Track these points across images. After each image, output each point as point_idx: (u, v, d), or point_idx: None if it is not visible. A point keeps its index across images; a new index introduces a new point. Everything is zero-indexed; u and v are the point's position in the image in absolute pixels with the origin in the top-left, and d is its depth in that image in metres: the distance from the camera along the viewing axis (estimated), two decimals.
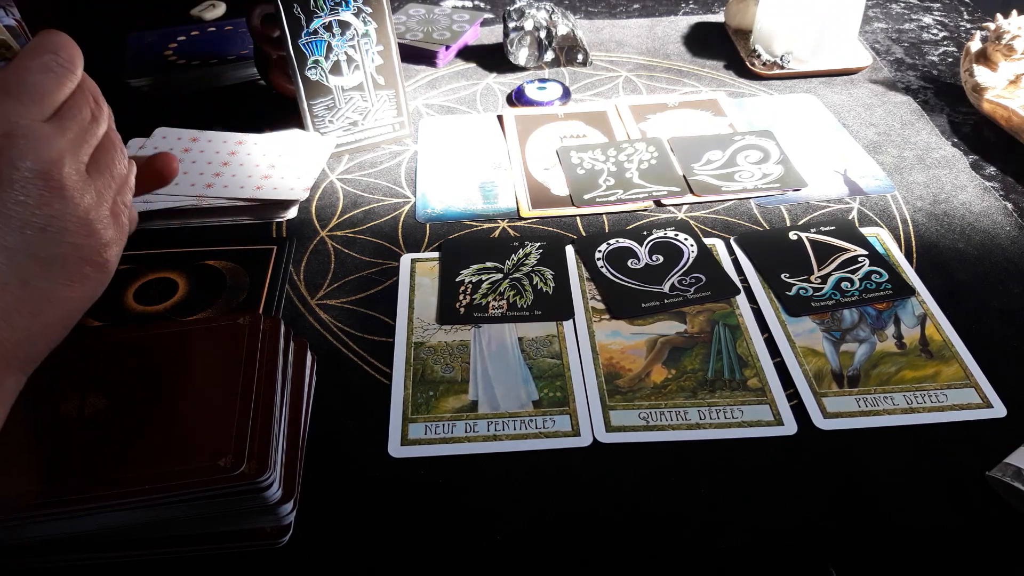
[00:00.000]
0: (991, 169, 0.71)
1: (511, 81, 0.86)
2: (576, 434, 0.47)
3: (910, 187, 0.68)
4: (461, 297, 0.56)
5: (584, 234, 0.63)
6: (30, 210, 0.29)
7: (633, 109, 0.80)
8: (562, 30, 0.86)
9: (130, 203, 0.35)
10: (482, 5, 1.05)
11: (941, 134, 0.75)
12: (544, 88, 0.82)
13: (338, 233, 0.64)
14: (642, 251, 0.60)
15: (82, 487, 0.37)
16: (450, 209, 0.66)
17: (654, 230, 0.62)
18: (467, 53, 0.92)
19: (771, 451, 0.46)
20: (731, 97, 0.82)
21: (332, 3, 0.66)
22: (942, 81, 0.85)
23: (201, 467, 0.37)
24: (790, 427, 0.47)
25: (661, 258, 0.59)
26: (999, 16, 0.77)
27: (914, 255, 0.60)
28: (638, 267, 0.59)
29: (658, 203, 0.66)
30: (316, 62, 0.68)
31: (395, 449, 0.46)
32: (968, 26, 0.98)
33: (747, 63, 0.87)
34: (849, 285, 0.56)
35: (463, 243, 0.62)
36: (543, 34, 0.86)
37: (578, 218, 0.65)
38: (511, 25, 0.85)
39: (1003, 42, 0.75)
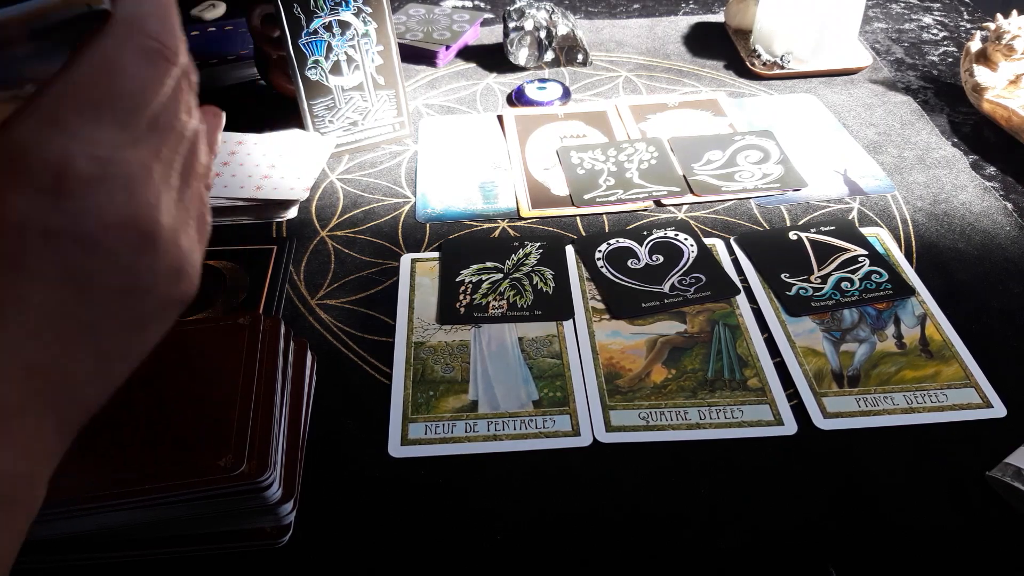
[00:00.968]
0: (991, 169, 0.71)
1: (511, 81, 0.86)
2: (576, 434, 0.47)
3: (910, 187, 0.68)
4: (461, 297, 0.56)
5: (584, 234, 0.63)
6: (112, 276, 0.21)
7: (633, 109, 0.80)
8: (562, 30, 0.86)
9: (208, 200, 0.27)
10: (482, 5, 1.05)
11: (941, 134, 0.75)
12: (544, 88, 0.82)
13: (338, 233, 0.64)
14: (642, 251, 0.60)
15: (82, 487, 0.37)
16: (450, 209, 0.66)
17: (654, 230, 0.62)
18: (467, 53, 0.92)
19: (771, 451, 0.46)
20: (731, 97, 0.82)
21: (332, 3, 0.66)
22: (942, 81, 0.85)
23: (201, 467, 0.37)
24: (790, 427, 0.47)
25: (661, 258, 0.59)
26: (999, 16, 0.77)
27: (914, 255, 0.60)
28: (638, 267, 0.59)
29: (658, 203, 0.66)
30: (316, 62, 0.68)
31: (395, 449, 0.46)
32: (968, 26, 0.98)
33: (747, 63, 0.87)
34: (849, 285, 0.56)
35: (463, 243, 0.62)
36: (543, 34, 0.86)
37: (578, 218, 0.65)
38: (511, 25, 0.85)
39: (1003, 42, 0.75)
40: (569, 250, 0.61)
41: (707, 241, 0.61)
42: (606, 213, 0.65)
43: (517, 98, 0.82)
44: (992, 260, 0.59)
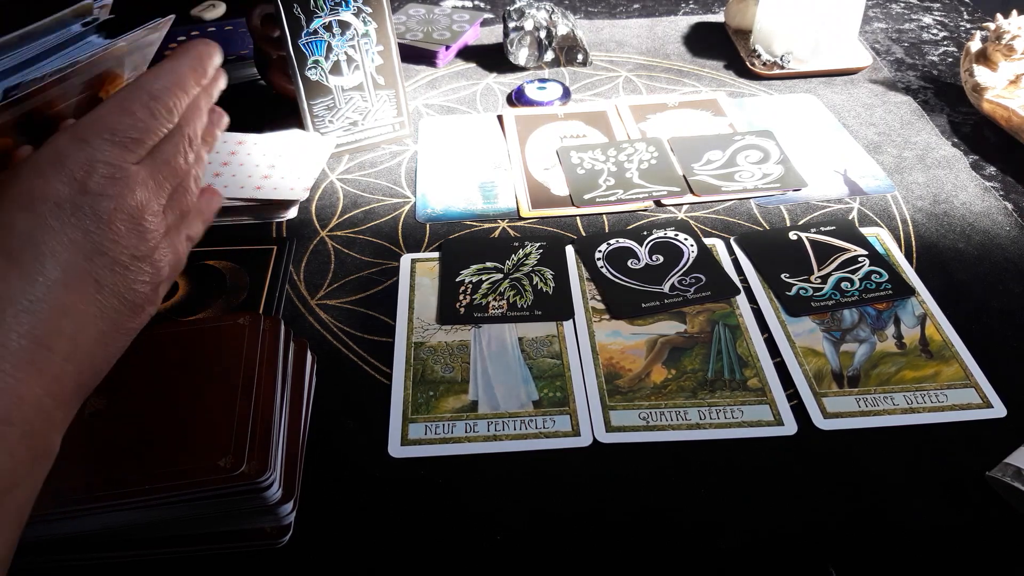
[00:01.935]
0: (991, 169, 0.71)
1: (511, 81, 0.86)
2: (576, 434, 0.47)
3: (910, 187, 0.68)
4: (461, 297, 0.56)
5: (584, 234, 0.63)
6: (120, 249, 0.31)
7: (633, 109, 0.80)
8: (562, 30, 0.86)
9: (196, 236, 0.37)
10: (482, 5, 1.05)
11: (941, 134, 0.75)
12: (544, 88, 0.82)
13: (338, 233, 0.64)
14: (642, 251, 0.60)
15: (82, 488, 0.37)
16: (450, 209, 0.66)
17: (654, 230, 0.62)
18: (467, 53, 0.92)
19: (771, 451, 0.46)
20: (731, 97, 0.82)
21: (332, 3, 0.66)
22: (942, 81, 0.86)
23: (201, 467, 0.37)
24: (790, 427, 0.47)
25: (661, 258, 0.59)
26: (999, 16, 0.77)
27: (914, 255, 0.60)
28: (638, 267, 0.59)
29: (658, 203, 0.66)
30: (316, 62, 0.68)
31: (395, 449, 0.46)
32: (968, 26, 0.98)
33: (747, 63, 0.87)
34: (849, 285, 0.56)
35: (463, 243, 0.62)
36: (543, 34, 0.86)
37: (578, 218, 0.65)
38: (511, 25, 0.85)
39: (1003, 42, 0.75)
40: (569, 250, 0.61)
41: (707, 241, 0.61)
42: (606, 213, 0.65)
43: (517, 98, 0.82)
44: (992, 260, 0.59)
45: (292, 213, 0.65)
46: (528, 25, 0.85)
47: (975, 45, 0.78)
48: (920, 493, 0.43)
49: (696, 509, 0.43)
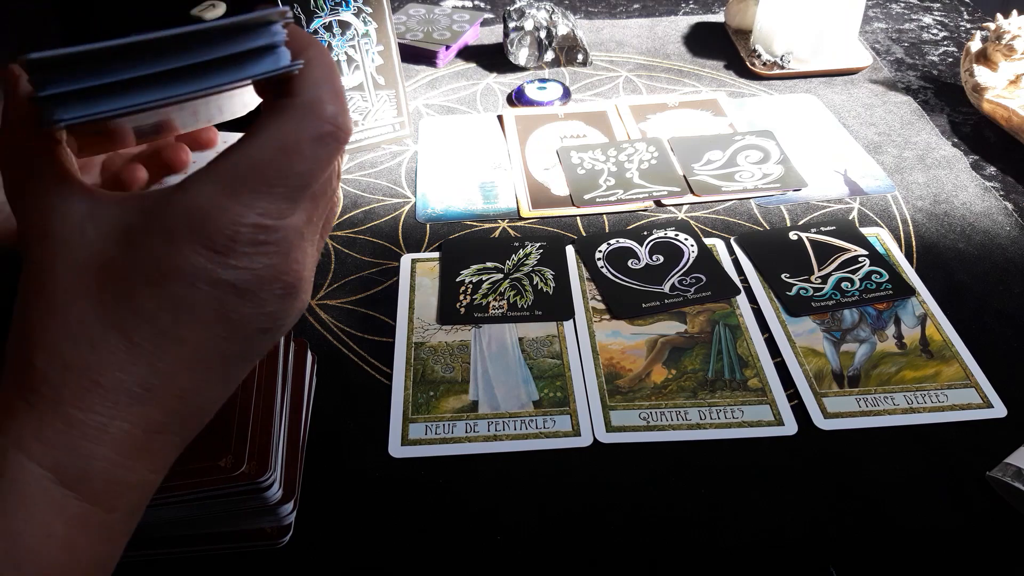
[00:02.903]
0: (991, 169, 0.71)
1: (511, 81, 0.86)
2: (576, 434, 0.47)
3: (910, 187, 0.68)
4: (461, 297, 0.56)
5: (584, 234, 0.63)
6: (263, 319, 0.25)
7: (633, 109, 0.80)
8: (562, 30, 0.86)
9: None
10: (482, 5, 1.05)
11: (941, 134, 0.75)
12: (544, 88, 0.82)
13: (338, 233, 0.64)
14: (642, 251, 0.60)
15: None
16: (450, 209, 0.66)
17: (654, 230, 0.62)
18: (467, 53, 0.92)
19: (771, 451, 0.46)
20: (731, 97, 0.82)
21: (332, 3, 0.66)
22: (942, 81, 0.86)
23: (201, 467, 0.37)
24: (790, 427, 0.47)
25: (661, 258, 0.59)
26: (999, 16, 0.77)
27: (914, 255, 0.60)
28: (638, 267, 0.59)
29: (658, 203, 0.66)
30: None
31: (395, 449, 0.46)
32: (968, 26, 0.98)
33: (747, 63, 0.87)
34: (849, 285, 0.56)
35: (463, 243, 0.62)
36: (543, 34, 0.86)
37: (578, 218, 0.65)
38: (511, 25, 0.85)
39: (1003, 42, 0.75)
40: (569, 250, 0.61)
41: (707, 241, 0.61)
42: (606, 213, 0.65)
43: (517, 98, 0.82)
44: (992, 260, 0.59)
45: None
46: (528, 25, 0.85)
47: (975, 45, 0.78)
48: (920, 493, 0.43)
49: (696, 509, 0.43)
